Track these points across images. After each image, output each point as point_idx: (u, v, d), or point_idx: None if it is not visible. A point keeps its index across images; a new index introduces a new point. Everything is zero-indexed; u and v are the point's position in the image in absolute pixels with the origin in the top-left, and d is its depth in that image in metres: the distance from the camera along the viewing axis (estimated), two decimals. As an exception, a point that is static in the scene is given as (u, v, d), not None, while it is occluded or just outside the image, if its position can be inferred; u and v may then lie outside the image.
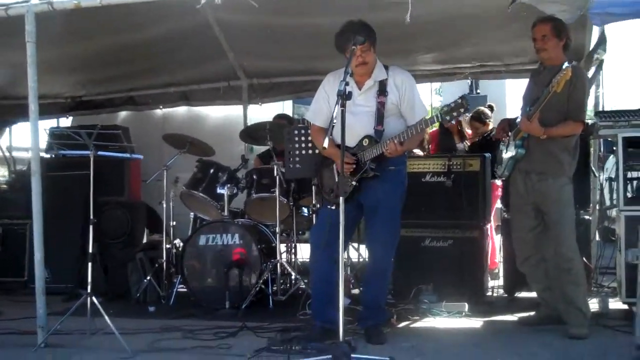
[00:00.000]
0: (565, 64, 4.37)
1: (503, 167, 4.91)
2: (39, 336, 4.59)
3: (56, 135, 6.50)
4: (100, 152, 4.95)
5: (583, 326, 4.60)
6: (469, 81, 12.33)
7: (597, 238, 6.16)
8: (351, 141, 4.46)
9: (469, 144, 7.29)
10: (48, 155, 6.91)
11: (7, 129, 9.17)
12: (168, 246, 6.34)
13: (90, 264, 4.80)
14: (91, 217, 4.89)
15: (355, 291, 6.02)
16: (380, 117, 4.53)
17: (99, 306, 4.66)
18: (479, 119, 7.37)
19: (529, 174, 4.77)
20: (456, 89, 14.21)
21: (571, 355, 4.20)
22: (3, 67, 7.74)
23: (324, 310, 4.56)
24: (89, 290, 4.75)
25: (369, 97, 4.56)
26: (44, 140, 6.12)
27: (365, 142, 4.52)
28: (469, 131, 7.47)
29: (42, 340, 4.56)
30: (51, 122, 8.89)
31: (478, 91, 14.88)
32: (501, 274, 6.39)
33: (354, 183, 4.53)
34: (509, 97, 14.38)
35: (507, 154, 4.87)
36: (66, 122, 8.98)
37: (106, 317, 4.57)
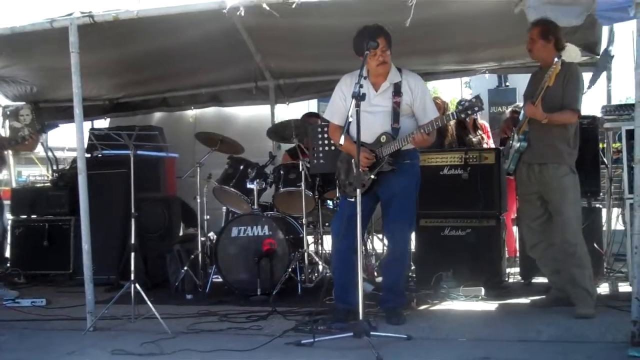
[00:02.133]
0: (555, 59, 4.72)
1: (509, 161, 5.24)
2: (88, 320, 4.99)
3: (95, 136, 6.93)
4: (139, 152, 5.35)
5: (590, 306, 4.88)
6: (492, 75, 12.58)
7: (614, 226, 6.43)
8: (369, 138, 4.82)
9: (484, 136, 7.53)
10: (88, 155, 7.34)
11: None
12: (203, 238, 6.71)
13: (133, 255, 5.21)
14: (132, 211, 5.30)
15: (379, 279, 6.34)
16: (396, 115, 4.88)
17: (142, 293, 5.06)
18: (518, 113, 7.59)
19: (531, 165, 5.09)
20: (486, 82, 14.43)
21: (574, 332, 4.49)
22: (43, 73, 8.23)
23: (345, 294, 4.87)
24: (132, 279, 5.17)
25: (385, 97, 4.91)
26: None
27: (383, 139, 4.86)
28: (485, 123, 7.72)
29: (91, 324, 4.96)
30: (87, 124, 9.33)
31: (507, 84, 15.02)
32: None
33: (372, 177, 4.87)
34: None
35: (512, 148, 5.20)
36: (103, 123, 9.42)
37: (149, 302, 4.97)
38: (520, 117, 5.16)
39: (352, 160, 4.88)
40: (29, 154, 10.71)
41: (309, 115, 7.70)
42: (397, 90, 4.90)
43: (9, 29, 5.22)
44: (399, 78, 4.93)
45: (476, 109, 4.66)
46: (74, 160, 8.33)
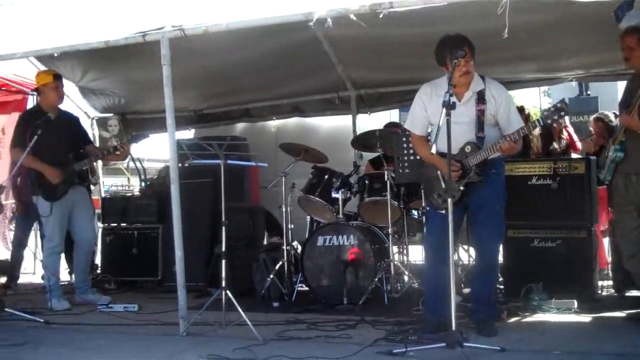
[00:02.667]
0: None
1: (605, 171, 5.11)
2: (181, 326, 5.09)
3: (186, 146, 7.10)
4: (229, 161, 5.45)
5: None
6: (575, 83, 12.31)
7: None
8: (453, 148, 4.72)
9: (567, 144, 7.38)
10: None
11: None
12: (287, 247, 6.78)
13: (223, 262, 5.31)
14: (223, 219, 5.40)
15: (466, 290, 6.27)
16: (480, 124, 4.81)
17: (233, 299, 5.14)
18: (602, 120, 7.43)
19: (629, 175, 4.95)
20: (565, 91, 14.14)
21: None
22: (130, 85, 8.50)
23: (435, 306, 4.85)
24: (223, 285, 5.26)
25: (469, 107, 4.84)
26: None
27: (468, 149, 4.80)
28: (571, 131, 7.56)
29: (184, 329, 5.06)
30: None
31: (588, 92, 14.65)
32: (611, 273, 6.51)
33: (461, 188, 4.81)
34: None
35: (608, 158, 5.06)
36: (187, 134, 9.64)
37: (239, 309, 5.04)
38: (617, 126, 5.03)
39: (439, 172, 4.83)
40: (117, 164, 11.02)
41: (391, 126, 7.70)
42: (480, 98, 4.83)
43: (104, 42, 5.38)
44: (482, 86, 4.86)
45: (562, 113, 4.59)
46: (161, 170, 8.59)
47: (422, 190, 5.26)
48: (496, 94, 4.86)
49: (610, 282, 6.34)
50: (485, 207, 4.89)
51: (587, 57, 6.96)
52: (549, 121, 4.66)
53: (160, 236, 7.86)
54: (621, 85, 13.27)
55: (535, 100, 24.70)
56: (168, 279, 7.35)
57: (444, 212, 4.62)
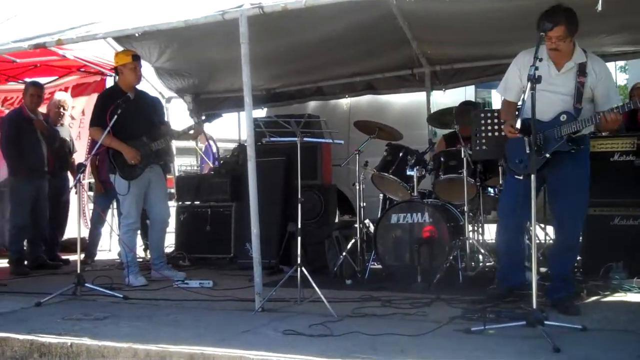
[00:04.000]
0: None
1: None
2: (257, 302, 5.13)
3: (256, 124, 7.15)
4: (306, 139, 5.46)
5: None
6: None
7: None
8: (548, 116, 4.69)
9: None
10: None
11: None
12: (360, 225, 6.75)
13: (299, 239, 5.34)
14: (299, 196, 5.43)
15: (542, 269, 6.14)
16: (579, 95, 4.71)
17: (308, 276, 5.16)
18: None
19: None
20: (642, 66, 13.68)
21: None
22: (204, 65, 8.59)
23: (510, 273, 4.84)
24: (299, 262, 5.29)
25: (569, 77, 4.74)
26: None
27: (563, 118, 4.70)
28: None
29: (260, 305, 5.11)
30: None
31: (668, 68, 14.09)
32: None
33: (547, 155, 4.70)
34: None
35: None
36: (260, 112, 9.70)
37: (315, 286, 5.05)
38: None
39: (526, 139, 4.65)
40: (187, 143, 11.19)
41: (464, 104, 7.57)
42: (581, 71, 4.72)
43: (183, 21, 5.41)
44: (584, 59, 4.75)
45: None
46: (235, 149, 8.69)
47: (504, 157, 5.11)
48: (598, 68, 4.77)
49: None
50: (572, 184, 4.79)
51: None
52: None
53: (233, 214, 7.97)
54: None
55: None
56: (241, 256, 7.47)
57: (521, 177, 4.55)
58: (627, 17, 6.29)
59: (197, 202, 8.38)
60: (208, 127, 9.81)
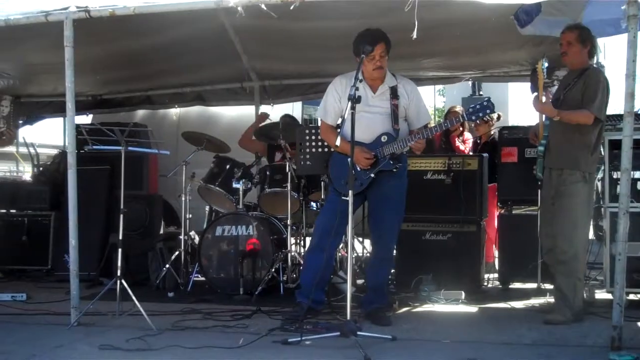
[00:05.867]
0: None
1: (538, 167, 5.27)
2: (72, 315, 4.96)
3: (86, 131, 6.88)
4: (130, 148, 5.35)
5: (561, 314, 4.95)
6: (470, 83, 12.76)
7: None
8: (368, 138, 4.91)
9: (467, 144, 7.62)
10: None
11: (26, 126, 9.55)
12: (184, 237, 6.72)
13: (120, 251, 5.22)
14: (122, 207, 5.31)
15: (359, 281, 6.41)
16: (396, 117, 4.98)
17: (128, 289, 5.06)
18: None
19: (551, 170, 5.13)
20: (459, 90, 14.64)
21: (555, 336, 4.60)
22: (26, 67, 8.15)
23: (311, 291, 4.92)
24: (118, 274, 5.17)
25: (383, 99, 5.01)
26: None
27: (384, 139, 4.96)
28: (467, 135, 7.80)
29: (76, 319, 4.94)
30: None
31: (480, 92, 15.19)
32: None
33: (372, 175, 4.94)
34: (511, 99, 14.76)
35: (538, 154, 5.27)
36: (85, 119, 9.34)
37: (134, 299, 4.97)
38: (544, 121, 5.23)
39: (348, 160, 4.81)
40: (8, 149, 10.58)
41: (286, 117, 7.71)
42: (394, 93, 5.00)
43: (3, 20, 5.15)
44: (394, 82, 5.04)
45: (488, 111, 4.86)
46: (56, 156, 8.32)
47: (328, 177, 5.28)
48: (409, 88, 5.08)
49: (496, 275, 6.63)
50: (390, 199, 5.04)
51: (484, 57, 7.21)
52: (473, 117, 4.94)
53: (52, 224, 7.63)
54: (512, 88, 13.92)
55: (429, 99, 25.25)
56: (59, 268, 7.18)
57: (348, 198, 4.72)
58: (438, 45, 6.74)
59: (12, 211, 7.92)
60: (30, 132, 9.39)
